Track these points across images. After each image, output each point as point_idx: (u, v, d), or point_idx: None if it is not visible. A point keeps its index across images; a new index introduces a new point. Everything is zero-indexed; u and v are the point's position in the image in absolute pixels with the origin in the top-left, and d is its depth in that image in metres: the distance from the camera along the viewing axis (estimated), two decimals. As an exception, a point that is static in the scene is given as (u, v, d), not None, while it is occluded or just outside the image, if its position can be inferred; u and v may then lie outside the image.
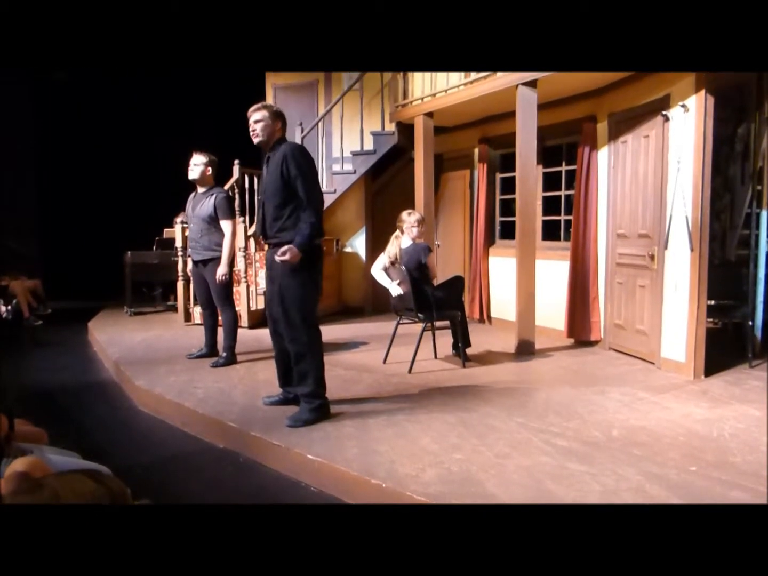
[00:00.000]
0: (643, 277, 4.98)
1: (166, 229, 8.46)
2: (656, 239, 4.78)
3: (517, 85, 5.15)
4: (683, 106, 4.39)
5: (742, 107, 5.41)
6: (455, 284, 5.21)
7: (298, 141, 6.91)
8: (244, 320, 6.49)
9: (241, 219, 6.60)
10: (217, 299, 5.02)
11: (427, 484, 2.66)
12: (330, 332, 6.13)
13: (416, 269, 4.81)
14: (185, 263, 6.42)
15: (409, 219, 4.98)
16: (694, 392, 4.08)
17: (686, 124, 4.39)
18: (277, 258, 3.35)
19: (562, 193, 6.23)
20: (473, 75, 5.80)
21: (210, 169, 5.04)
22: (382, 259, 5.04)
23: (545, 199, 6.40)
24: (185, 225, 6.13)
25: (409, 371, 4.68)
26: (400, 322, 5.04)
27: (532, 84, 5.09)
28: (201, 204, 5.01)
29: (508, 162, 6.60)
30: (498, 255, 6.81)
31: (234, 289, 5.46)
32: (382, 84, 7.28)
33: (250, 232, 6.85)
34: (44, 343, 6.81)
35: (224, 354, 5.02)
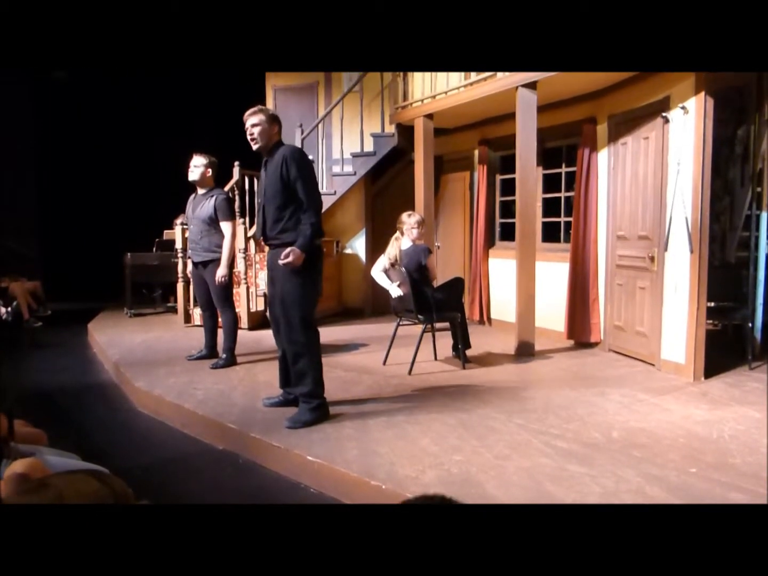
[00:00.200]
0: (643, 278, 4.98)
1: (166, 231, 8.46)
2: (656, 241, 4.78)
3: (517, 87, 5.15)
4: (683, 107, 4.39)
5: (742, 109, 5.41)
6: (455, 286, 5.21)
7: (298, 143, 6.93)
8: (243, 322, 6.49)
9: (241, 220, 6.60)
10: (217, 301, 5.01)
11: (427, 486, 2.65)
12: (330, 334, 6.13)
13: (416, 271, 4.81)
14: (185, 265, 6.41)
15: (409, 220, 4.98)
16: (694, 394, 4.07)
17: (686, 125, 4.39)
18: (281, 262, 3.37)
19: (562, 194, 6.23)
20: (473, 76, 5.80)
21: (210, 170, 5.04)
22: (382, 261, 5.04)
23: (545, 201, 6.40)
24: (185, 226, 6.14)
25: (409, 373, 4.68)
26: (400, 323, 5.04)
27: (532, 86, 5.09)
28: (201, 205, 5.01)
29: (508, 164, 6.61)
30: (498, 256, 6.81)
31: (234, 291, 5.45)
32: (382, 86, 7.29)
33: (250, 233, 6.85)
34: (44, 345, 6.80)
35: (224, 355, 5.01)
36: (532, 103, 5.12)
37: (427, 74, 6.55)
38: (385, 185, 8.19)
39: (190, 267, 5.24)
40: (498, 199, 6.98)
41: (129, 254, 7.92)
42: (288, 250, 3.37)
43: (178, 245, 6.95)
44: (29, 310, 7.49)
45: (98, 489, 1.00)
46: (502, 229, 7.01)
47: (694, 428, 3.39)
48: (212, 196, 4.99)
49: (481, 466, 2.86)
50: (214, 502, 2.83)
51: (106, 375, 5.37)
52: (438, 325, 5.01)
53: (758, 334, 4.88)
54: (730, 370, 4.66)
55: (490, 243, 6.96)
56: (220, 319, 5.10)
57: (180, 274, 6.95)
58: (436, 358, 5.18)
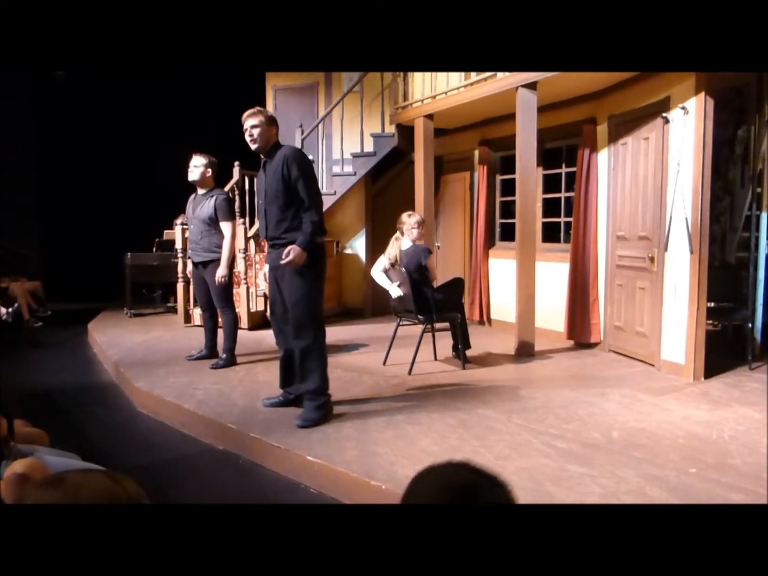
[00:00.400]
0: (642, 279, 4.98)
1: (166, 231, 8.46)
2: (656, 241, 4.78)
3: (517, 87, 5.15)
4: (683, 108, 4.39)
5: (742, 110, 5.42)
6: (455, 286, 5.21)
7: (298, 143, 6.92)
8: (243, 322, 6.49)
9: (241, 221, 6.60)
10: (217, 301, 5.01)
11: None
12: (330, 334, 6.07)
13: (416, 271, 4.80)
14: (185, 265, 6.41)
15: (409, 221, 4.98)
16: (693, 394, 4.07)
17: (686, 126, 4.39)
18: (282, 261, 3.38)
19: (562, 195, 6.23)
20: (473, 77, 5.80)
21: (210, 170, 5.04)
22: (382, 261, 5.04)
23: (545, 201, 6.40)
24: (185, 226, 6.13)
25: (409, 373, 4.68)
26: (400, 323, 5.04)
27: (532, 86, 5.09)
28: (201, 205, 5.01)
29: (508, 164, 6.61)
30: (498, 257, 6.81)
31: (234, 291, 5.45)
32: (382, 86, 7.29)
33: (250, 233, 6.85)
34: (44, 345, 6.80)
35: (224, 355, 5.01)
36: (532, 104, 5.12)
37: (427, 74, 6.55)
38: (385, 185, 8.19)
39: (190, 267, 5.24)
40: (498, 199, 6.98)
41: (129, 254, 7.92)
42: (288, 248, 3.38)
43: (178, 245, 6.95)
44: (29, 310, 7.48)
45: (111, 487, 1.00)
46: (502, 229, 7.01)
47: (694, 428, 3.39)
48: (212, 196, 4.99)
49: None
50: (214, 502, 2.83)
51: (106, 375, 5.37)
52: (438, 325, 5.02)
53: (758, 335, 4.88)
54: (730, 370, 4.66)
55: (490, 243, 6.96)
56: (220, 320, 5.10)
57: (180, 274, 6.95)
58: (436, 359, 5.18)
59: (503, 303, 6.64)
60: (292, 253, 3.36)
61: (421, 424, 3.47)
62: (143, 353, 5.56)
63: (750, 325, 4.82)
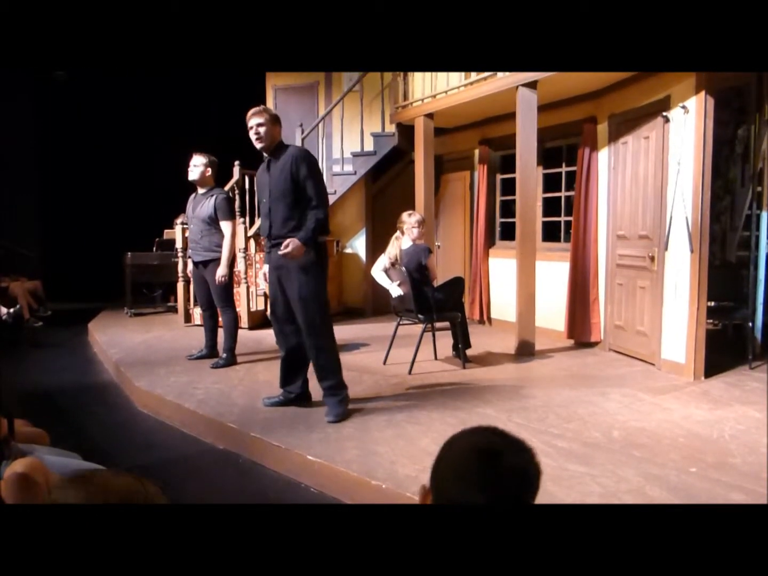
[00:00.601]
0: (643, 278, 4.98)
1: (166, 230, 8.46)
2: (656, 240, 4.78)
3: (517, 87, 5.15)
4: (683, 107, 4.39)
5: (742, 109, 5.42)
6: (455, 285, 5.21)
7: (298, 142, 6.92)
8: (244, 321, 6.49)
9: (241, 220, 6.60)
10: (217, 300, 5.02)
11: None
12: (330, 333, 6.11)
13: (416, 270, 4.81)
14: (185, 264, 6.41)
15: (409, 220, 4.98)
16: (694, 394, 4.07)
17: (686, 125, 4.39)
18: (280, 252, 3.39)
19: (563, 194, 6.23)
20: (473, 76, 5.80)
21: (210, 169, 5.04)
22: (383, 260, 5.04)
23: (545, 201, 6.40)
24: (185, 226, 6.13)
25: (409, 372, 4.68)
26: (401, 323, 5.04)
27: (532, 85, 5.09)
28: (201, 205, 5.01)
29: (508, 163, 6.60)
30: (498, 256, 6.81)
31: (234, 290, 5.45)
32: (382, 85, 7.29)
33: (250, 233, 6.85)
34: (44, 345, 6.80)
35: (224, 355, 5.01)
36: (532, 103, 5.12)
37: (427, 74, 6.55)
38: (385, 185, 8.19)
39: (190, 266, 5.24)
40: (498, 198, 6.98)
41: (129, 254, 7.92)
42: (288, 240, 3.39)
43: (179, 245, 6.95)
44: (30, 310, 7.49)
45: (133, 484, 1.00)
46: (502, 228, 7.01)
47: (695, 428, 3.39)
48: (212, 195, 4.99)
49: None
50: (215, 501, 2.83)
51: (106, 375, 5.37)
52: (438, 324, 5.01)
53: (758, 334, 4.88)
54: (731, 369, 4.66)
55: (490, 242, 6.96)
56: (220, 319, 5.10)
57: (180, 274, 6.95)
58: (436, 358, 5.18)
59: (503, 302, 6.64)
60: (291, 245, 3.37)
61: (421, 424, 3.47)
62: (143, 353, 5.56)
63: (750, 324, 4.82)
